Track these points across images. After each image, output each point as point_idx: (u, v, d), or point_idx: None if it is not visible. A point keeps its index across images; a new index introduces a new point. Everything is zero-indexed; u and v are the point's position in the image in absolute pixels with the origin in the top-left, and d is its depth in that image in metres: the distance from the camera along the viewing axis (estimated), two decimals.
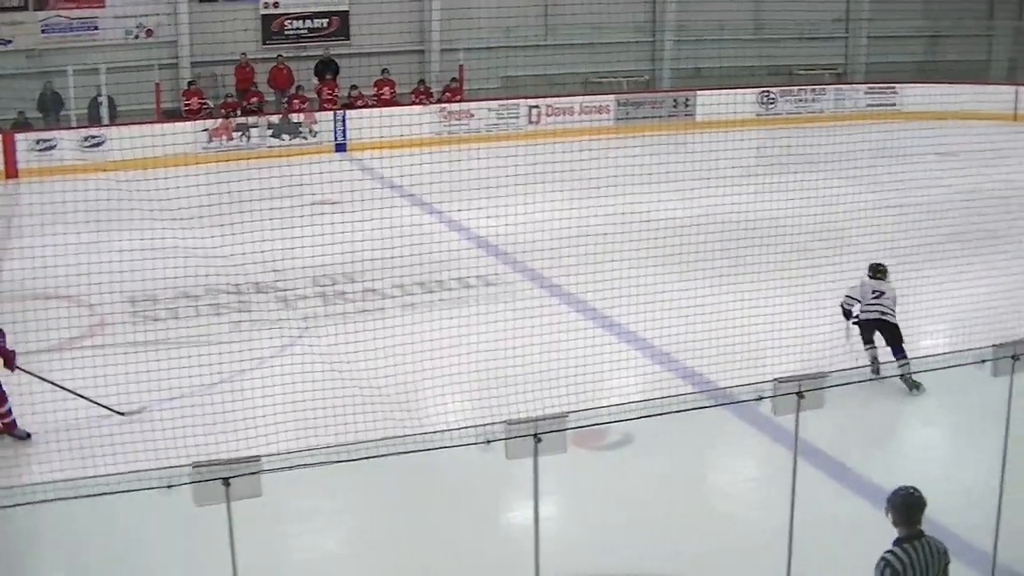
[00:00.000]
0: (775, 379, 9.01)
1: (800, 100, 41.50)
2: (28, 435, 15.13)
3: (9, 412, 15.20)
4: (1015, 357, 9.41)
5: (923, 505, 8.47)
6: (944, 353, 10.53)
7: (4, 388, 15.17)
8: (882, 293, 16.32)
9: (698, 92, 39.64)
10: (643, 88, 41.15)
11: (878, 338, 16.03)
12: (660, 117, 38.88)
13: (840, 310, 16.81)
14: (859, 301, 16.44)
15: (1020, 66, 45.52)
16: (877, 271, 16.77)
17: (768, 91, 40.94)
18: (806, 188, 21.41)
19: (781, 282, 18.91)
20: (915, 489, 8.52)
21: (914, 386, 15.09)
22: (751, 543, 12.09)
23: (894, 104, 41.75)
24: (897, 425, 15.73)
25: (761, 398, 9.21)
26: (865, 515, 12.95)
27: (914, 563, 8.30)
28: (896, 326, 15.90)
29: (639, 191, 21.25)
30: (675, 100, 39.92)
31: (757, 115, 40.12)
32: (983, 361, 9.49)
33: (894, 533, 8.39)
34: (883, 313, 16.09)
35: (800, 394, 8.93)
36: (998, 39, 46.63)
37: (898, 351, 15.56)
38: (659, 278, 18.60)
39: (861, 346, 16.21)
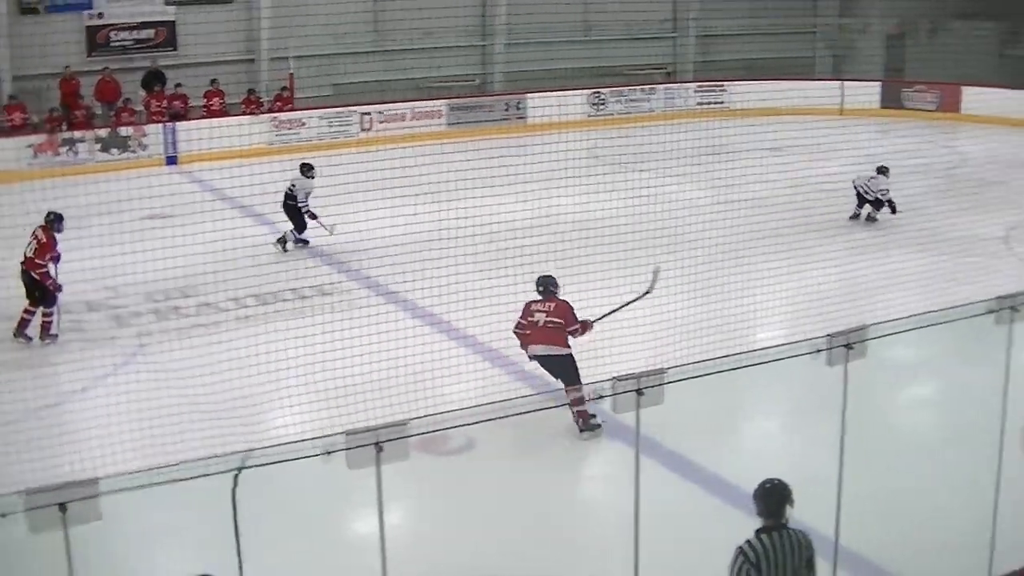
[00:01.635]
0: (614, 377, 9.06)
1: (631, 100, 41.92)
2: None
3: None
4: (848, 346, 9.55)
5: (783, 496, 8.66)
6: (779, 345, 10.69)
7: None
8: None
9: (529, 95, 39.82)
10: (475, 92, 41.23)
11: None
12: (492, 121, 39.04)
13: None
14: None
15: (844, 62, 46.46)
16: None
17: (598, 92, 41.26)
18: (639, 187, 21.59)
19: (617, 281, 19.03)
20: (778, 480, 8.71)
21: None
22: (598, 540, 12.19)
23: (723, 102, 42.41)
24: (736, 418, 15.96)
25: (601, 396, 9.28)
26: (708, 507, 13.17)
27: (768, 553, 8.45)
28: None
29: (473, 195, 21.25)
30: (506, 103, 40.07)
31: (588, 116, 40.42)
32: (818, 351, 9.63)
33: (741, 523, 8.51)
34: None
35: (639, 391, 8.98)
36: (823, 36, 47.54)
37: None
38: (495, 281, 18.61)
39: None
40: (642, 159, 25.60)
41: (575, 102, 39.47)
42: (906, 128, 37.08)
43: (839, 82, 42.85)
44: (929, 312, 10.19)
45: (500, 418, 9.02)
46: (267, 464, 8.49)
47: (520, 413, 9.17)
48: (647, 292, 16.71)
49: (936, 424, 16.16)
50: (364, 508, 9.38)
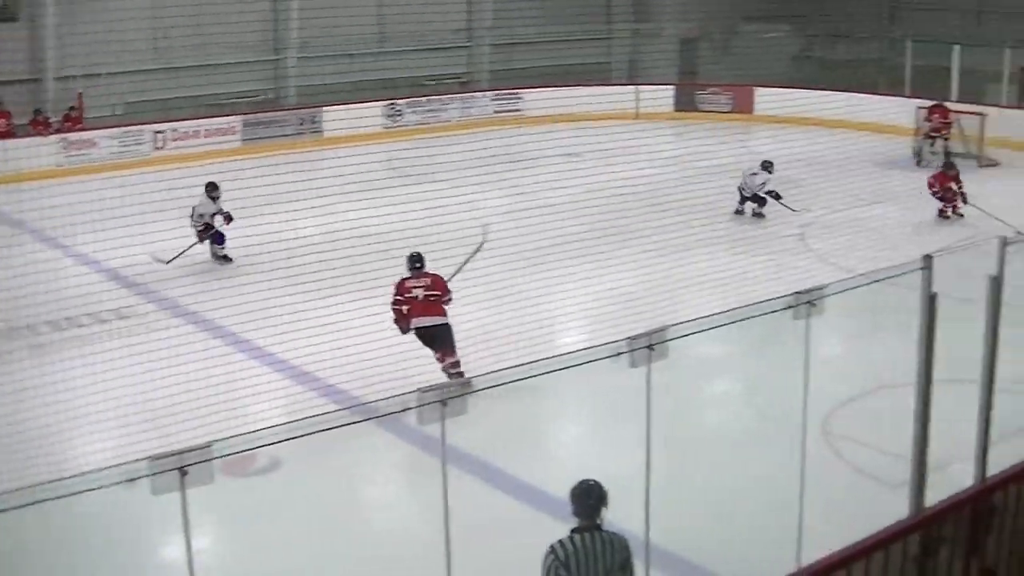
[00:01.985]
0: (418, 389, 9.03)
1: (428, 110, 41.91)
2: None
3: None
4: (650, 347, 9.64)
5: (598, 497, 8.78)
6: (582, 349, 10.76)
7: None
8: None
9: (324, 108, 39.60)
10: (269, 107, 40.90)
11: None
12: (287, 136, 38.74)
13: None
14: None
15: (638, 66, 47.08)
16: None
17: (394, 103, 41.21)
18: (438, 197, 21.62)
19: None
20: (593, 481, 8.83)
21: None
22: (410, 553, 12.13)
23: (520, 110, 42.63)
24: (542, 424, 16.04)
25: (405, 409, 9.22)
26: (519, 515, 13.22)
27: (579, 553, 8.52)
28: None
29: (270, 211, 21.11)
30: (301, 118, 39.79)
31: (385, 128, 40.33)
32: (619, 353, 9.70)
33: (552, 530, 8.55)
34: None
35: (444, 402, 8.96)
36: (617, 41, 48.10)
37: None
38: (296, 297, 18.52)
39: None
40: (440, 169, 25.67)
41: (371, 114, 39.36)
42: (701, 130, 37.65)
43: (634, 86, 43.35)
44: (729, 310, 10.32)
45: (305, 435, 8.94)
46: (68, 495, 8.31)
47: (326, 429, 9.09)
48: (478, 248, 18.24)
49: (740, 420, 16.43)
50: (171, 534, 9.26)
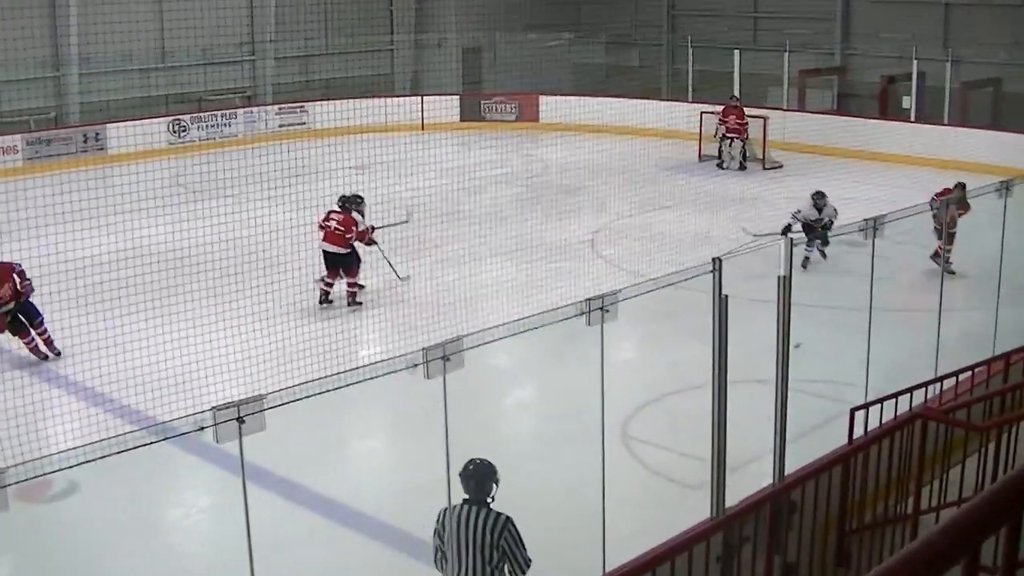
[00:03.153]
0: (213, 407, 8.98)
1: (212, 126, 41.53)
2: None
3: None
4: (445, 358, 9.70)
5: (484, 474, 9.40)
6: (377, 362, 10.78)
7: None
8: None
9: (107, 125, 38.97)
10: (51, 125, 40.15)
11: None
12: (71, 153, 38.05)
13: None
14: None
15: (422, 78, 47.22)
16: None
17: (179, 119, 40.76)
18: (227, 213, 21.45)
19: (211, 309, 18.92)
20: (481, 460, 9.42)
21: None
22: (212, 573, 12.07)
23: (304, 123, 42.45)
24: (343, 438, 16.05)
25: (202, 428, 9.14)
26: (319, 527, 13.21)
27: (458, 522, 9.07)
28: None
29: (55, 231, 20.75)
30: (85, 135, 39.13)
31: (170, 144, 39.85)
32: (415, 365, 9.74)
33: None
34: None
35: (240, 419, 8.92)
36: (400, 53, 48.16)
37: None
38: (86, 318, 18.22)
39: None
40: (227, 184, 25.45)
41: (156, 130, 38.83)
42: (488, 139, 37.90)
43: (418, 98, 43.52)
44: (523, 318, 10.42)
45: (102, 458, 8.82)
46: None
47: (123, 451, 8.99)
48: (405, 221, 21.65)
49: (540, 427, 16.61)
50: None
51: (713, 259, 10.02)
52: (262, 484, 12.57)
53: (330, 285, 21.38)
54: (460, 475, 9.22)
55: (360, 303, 21.44)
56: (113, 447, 8.83)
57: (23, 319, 18.91)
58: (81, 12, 39.38)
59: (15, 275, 18.95)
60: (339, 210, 21.60)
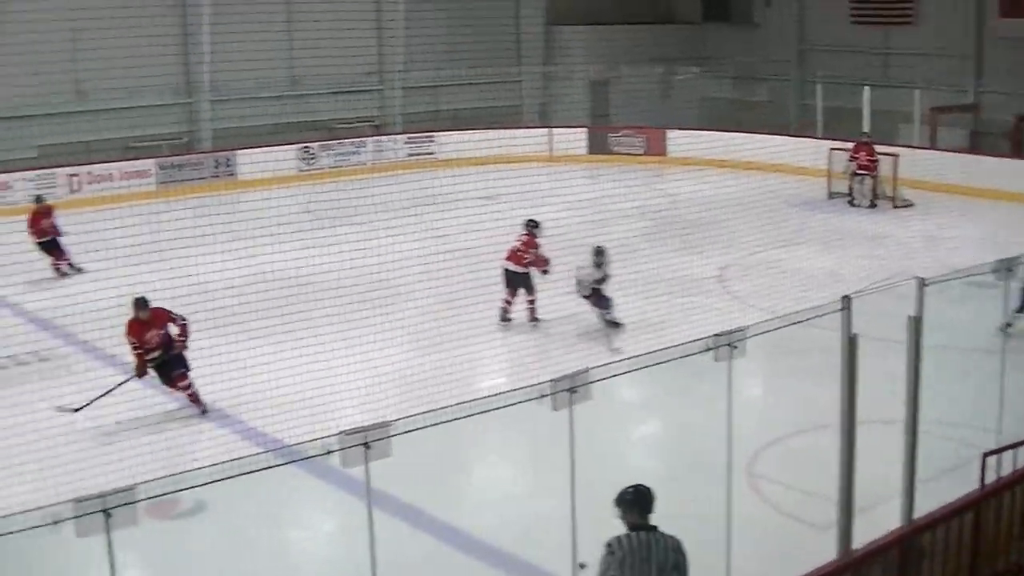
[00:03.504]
0: (341, 432, 9.04)
1: (341, 154, 41.87)
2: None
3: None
4: (572, 390, 9.69)
5: (647, 498, 8.93)
6: (504, 392, 10.80)
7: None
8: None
9: (238, 151, 39.47)
10: (183, 150, 40.73)
11: None
12: (203, 178, 38.56)
13: None
14: None
15: (551, 109, 47.30)
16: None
17: (308, 146, 41.15)
18: (354, 240, 21.60)
19: (339, 335, 19.05)
20: (641, 486, 8.97)
21: None
22: None
23: (433, 153, 42.66)
24: (467, 466, 16.06)
25: (329, 452, 9.21)
26: (441, 554, 13.22)
27: (635, 550, 8.71)
28: None
29: (188, 254, 21.03)
30: (216, 160, 39.65)
31: (299, 171, 40.26)
32: (542, 396, 9.74)
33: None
34: None
35: (367, 444, 8.98)
36: (528, 84, 48.34)
37: None
38: (216, 340, 18.44)
39: None
40: (355, 212, 25.63)
41: (285, 157, 39.28)
42: (615, 172, 37.85)
43: (547, 129, 43.62)
44: (650, 352, 10.38)
45: (230, 478, 8.91)
46: None
47: (250, 472, 9.08)
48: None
49: (665, 462, 16.50)
50: None
51: (843, 297, 9.95)
52: (385, 509, 12.63)
53: (509, 303, 22.05)
54: (620, 503, 8.98)
55: (538, 319, 22.02)
56: (241, 468, 8.93)
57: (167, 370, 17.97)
58: (214, 40, 39.96)
59: (173, 325, 18.08)
60: (526, 232, 22.39)
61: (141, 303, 17.74)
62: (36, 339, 21.08)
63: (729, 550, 10.51)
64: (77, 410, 16.51)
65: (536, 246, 22.09)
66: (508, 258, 22.07)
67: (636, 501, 8.92)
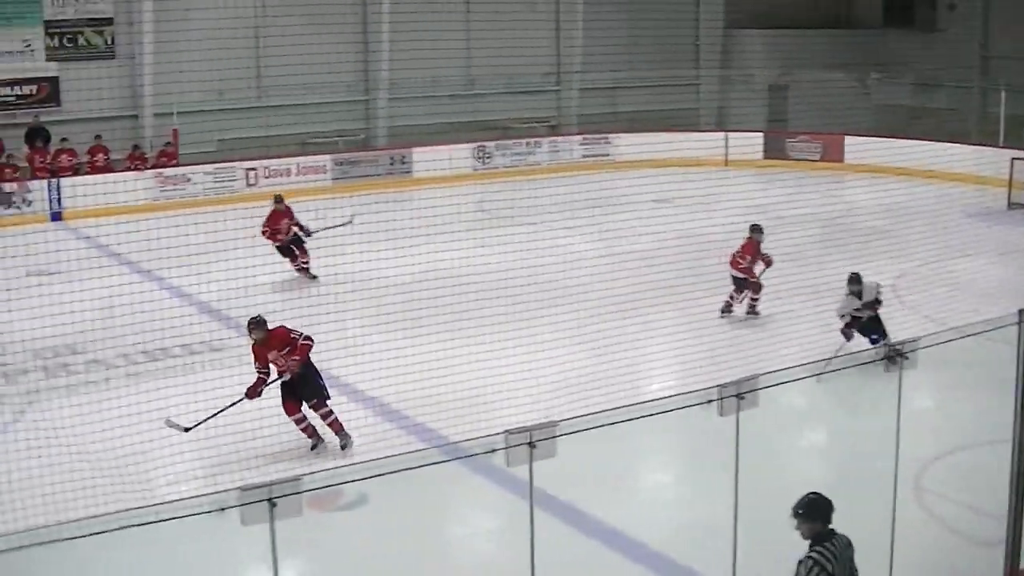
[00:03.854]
0: (506, 431, 9.06)
1: (516, 153, 42.01)
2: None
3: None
4: (739, 396, 9.62)
5: (831, 506, 9.10)
6: (671, 396, 10.74)
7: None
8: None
9: (414, 149, 39.81)
10: (359, 147, 41.18)
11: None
12: (378, 175, 38.96)
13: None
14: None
15: (728, 113, 47.00)
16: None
17: (483, 145, 41.36)
18: (527, 240, 21.67)
19: (507, 334, 19.10)
20: (816, 493, 9.14)
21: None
22: None
23: (608, 154, 42.65)
24: (631, 470, 16.00)
25: (494, 450, 9.24)
26: (602, 557, 13.18)
27: (833, 558, 8.86)
28: None
29: (360, 249, 21.23)
30: (391, 157, 40.03)
31: (474, 169, 40.50)
32: (709, 401, 9.69)
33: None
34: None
35: (532, 444, 8.99)
36: (705, 87, 48.10)
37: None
38: (385, 335, 18.61)
39: None
40: (529, 212, 25.71)
41: (460, 156, 39.57)
42: (791, 178, 37.50)
43: (723, 133, 43.37)
44: (819, 360, 10.29)
45: (392, 473, 8.98)
46: (159, 521, 8.40)
47: (413, 468, 9.14)
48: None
49: (830, 472, 16.27)
50: (257, 565, 9.31)
51: (1019, 311, 9.75)
52: (547, 509, 12.65)
53: (732, 300, 22.72)
54: (813, 507, 9.07)
55: (757, 313, 22.66)
56: (404, 463, 9.00)
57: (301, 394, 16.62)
58: (392, 39, 40.32)
59: (294, 344, 16.63)
60: (748, 236, 22.72)
61: (253, 323, 16.70)
62: (208, 329, 21.45)
63: (892, 562, 10.36)
64: (187, 430, 15.89)
65: (754, 252, 22.47)
66: (730, 263, 22.58)
67: (822, 510, 9.06)
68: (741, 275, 22.26)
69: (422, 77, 40.29)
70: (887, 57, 47.46)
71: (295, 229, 25.33)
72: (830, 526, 8.99)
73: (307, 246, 25.02)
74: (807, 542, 9.05)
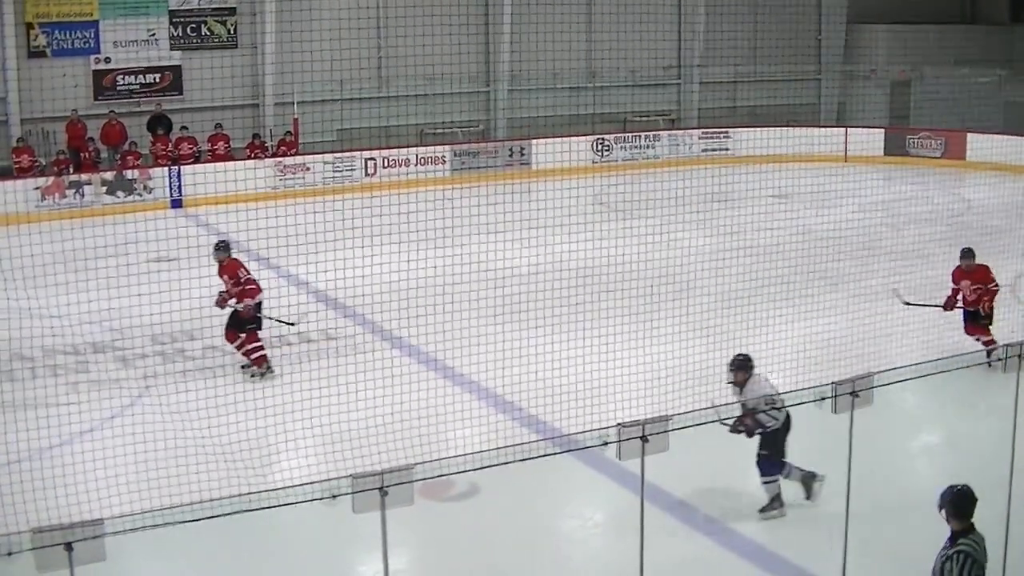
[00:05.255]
0: (619, 424, 9.04)
1: (635, 147, 41.89)
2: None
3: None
4: (854, 394, 9.54)
5: (975, 499, 8.89)
6: (785, 392, 10.65)
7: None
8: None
9: (533, 141, 39.82)
10: (478, 138, 41.28)
11: None
12: (496, 167, 39.02)
13: None
14: None
15: (848, 108, 46.54)
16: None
17: (603, 138, 41.27)
18: (645, 233, 21.59)
19: (622, 327, 19.05)
20: (965, 486, 8.93)
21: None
22: None
23: (727, 149, 42.39)
24: (742, 466, 15.88)
25: (606, 443, 9.23)
26: (713, 555, 13.10)
27: (977, 551, 8.84)
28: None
29: (478, 241, 21.30)
30: (511, 149, 40.08)
31: (593, 162, 40.44)
32: (823, 399, 9.62)
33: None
34: None
35: (644, 438, 8.97)
36: (827, 82, 47.65)
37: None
38: (500, 327, 18.63)
39: None
40: (648, 206, 25.62)
41: (579, 148, 39.50)
42: (912, 175, 37.08)
43: (843, 129, 42.95)
44: (936, 359, 10.15)
45: (505, 464, 8.98)
46: (272, 507, 8.48)
47: (525, 459, 9.15)
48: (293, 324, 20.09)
49: (943, 472, 16.05)
50: (368, 553, 9.37)
51: None
52: (658, 503, 12.62)
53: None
54: (954, 501, 8.89)
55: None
56: (516, 454, 9.01)
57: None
58: (514, 31, 40.36)
59: (238, 282, 19.44)
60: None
61: (217, 246, 20.01)
62: (324, 318, 21.59)
63: (1005, 566, 10.21)
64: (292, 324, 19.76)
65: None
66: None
67: (969, 503, 8.92)
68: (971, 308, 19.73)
69: (543, 69, 40.25)
70: (1014, 54, 46.75)
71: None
72: (971, 520, 8.88)
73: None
74: (946, 537, 8.91)
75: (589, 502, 14.79)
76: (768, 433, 13.54)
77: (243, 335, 19.39)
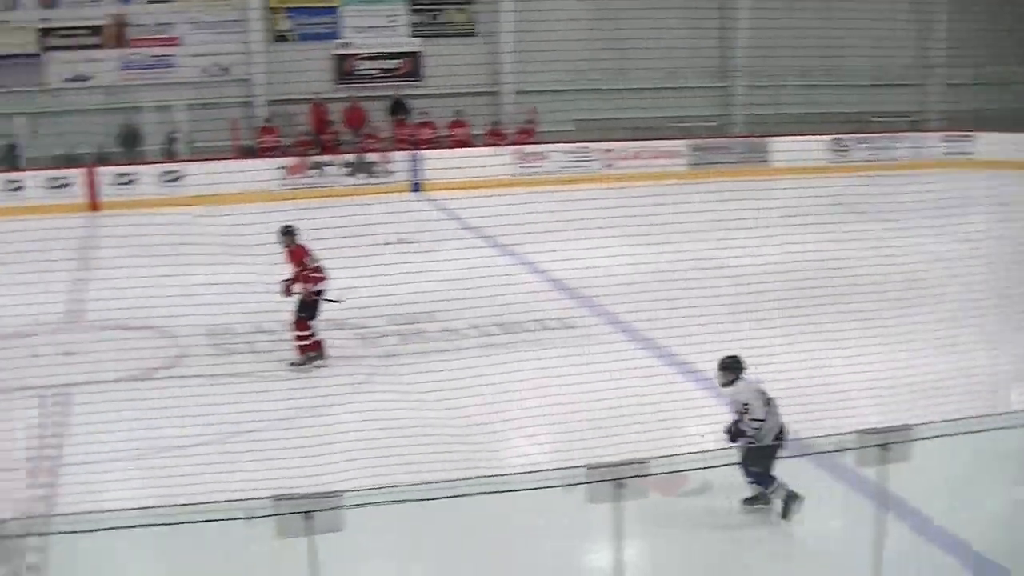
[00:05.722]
0: (859, 431, 8.95)
1: (875, 147, 41.24)
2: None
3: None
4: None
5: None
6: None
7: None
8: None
9: (771, 138, 39.49)
10: (715, 133, 41.08)
11: None
12: (732, 163, 38.82)
13: None
14: None
15: None
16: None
17: (841, 138, 40.73)
18: (885, 237, 21.28)
19: (860, 331, 18.80)
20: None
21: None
22: None
23: (971, 152, 41.42)
24: (985, 482, 15.47)
25: (844, 450, 9.15)
26: (948, 569, 12.79)
27: None
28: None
29: (714, 237, 21.19)
30: (748, 146, 39.84)
31: (830, 162, 39.94)
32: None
33: None
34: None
35: (885, 447, 8.87)
36: None
37: None
38: (735, 325, 18.51)
39: None
40: (887, 209, 25.24)
41: (817, 147, 39.05)
42: None
43: None
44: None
45: (737, 464, 8.95)
46: (507, 491, 8.57)
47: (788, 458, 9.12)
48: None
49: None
50: (599, 543, 9.42)
51: None
52: (895, 514, 12.40)
53: None
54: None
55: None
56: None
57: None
58: (752, 25, 40.05)
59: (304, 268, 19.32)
60: None
61: (281, 231, 19.52)
62: (562, 307, 21.69)
63: None
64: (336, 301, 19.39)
65: None
66: None
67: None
68: None
69: (781, 65, 39.84)
70: None
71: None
72: None
73: None
74: None
75: (822, 506, 14.51)
76: (757, 448, 13.33)
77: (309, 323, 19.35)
